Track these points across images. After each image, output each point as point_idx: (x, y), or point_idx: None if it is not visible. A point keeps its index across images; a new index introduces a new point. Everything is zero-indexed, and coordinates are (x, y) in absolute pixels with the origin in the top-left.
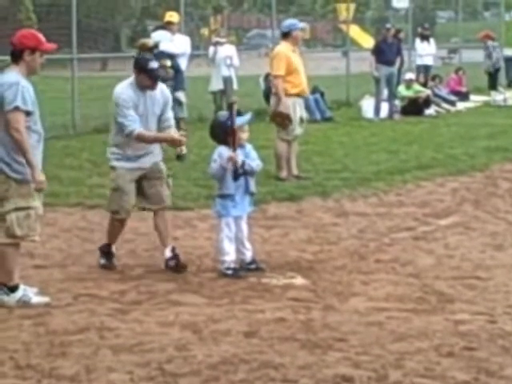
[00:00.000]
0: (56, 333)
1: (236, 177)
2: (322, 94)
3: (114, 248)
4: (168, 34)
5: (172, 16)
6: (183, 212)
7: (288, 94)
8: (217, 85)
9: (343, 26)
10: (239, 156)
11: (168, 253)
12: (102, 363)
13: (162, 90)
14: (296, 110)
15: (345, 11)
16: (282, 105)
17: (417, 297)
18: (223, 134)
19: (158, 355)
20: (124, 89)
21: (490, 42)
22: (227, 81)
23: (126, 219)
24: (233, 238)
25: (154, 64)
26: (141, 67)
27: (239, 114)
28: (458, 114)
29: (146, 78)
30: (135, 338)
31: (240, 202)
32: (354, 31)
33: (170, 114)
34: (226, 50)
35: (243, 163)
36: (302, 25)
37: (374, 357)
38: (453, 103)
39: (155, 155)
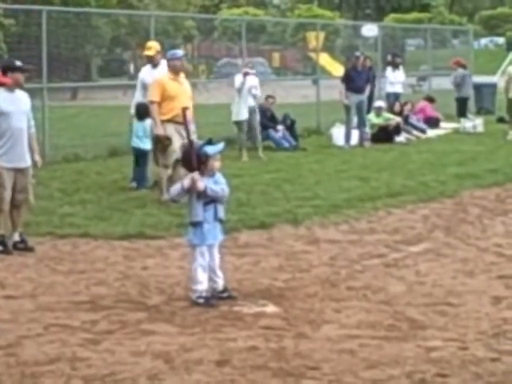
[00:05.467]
0: (27, 363)
1: (199, 198)
2: (293, 122)
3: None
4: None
5: (150, 49)
6: (154, 241)
7: (161, 120)
8: (244, 114)
9: (313, 55)
10: (204, 182)
11: (16, 237)
12: None
13: (24, 94)
14: (174, 134)
15: (314, 40)
16: (156, 128)
17: (389, 324)
18: (195, 162)
19: None
20: None
21: (460, 70)
22: (252, 111)
23: (6, 209)
24: (206, 267)
25: (18, 62)
26: (12, 67)
27: (211, 143)
28: (429, 141)
29: (18, 73)
30: (107, 368)
31: (211, 229)
32: (324, 59)
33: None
34: (252, 81)
35: (205, 188)
36: (180, 54)
37: None
38: (423, 130)
39: (27, 161)
